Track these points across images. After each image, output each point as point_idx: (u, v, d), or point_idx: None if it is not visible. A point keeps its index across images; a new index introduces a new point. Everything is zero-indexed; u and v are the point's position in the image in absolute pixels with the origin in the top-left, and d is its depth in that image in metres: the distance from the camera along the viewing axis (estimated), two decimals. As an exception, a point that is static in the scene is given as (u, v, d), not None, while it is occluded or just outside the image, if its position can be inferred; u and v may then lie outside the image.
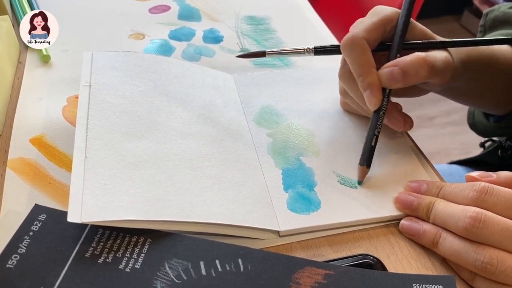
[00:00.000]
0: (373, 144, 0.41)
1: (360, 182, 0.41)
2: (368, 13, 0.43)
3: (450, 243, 0.34)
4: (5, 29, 0.50)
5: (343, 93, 0.47)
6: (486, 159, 0.68)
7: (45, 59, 0.53)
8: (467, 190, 0.35)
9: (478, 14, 2.03)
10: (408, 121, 0.43)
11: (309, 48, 0.45)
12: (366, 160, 0.41)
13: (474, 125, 0.62)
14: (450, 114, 1.75)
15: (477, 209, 0.33)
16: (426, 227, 0.36)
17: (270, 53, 0.46)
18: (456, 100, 0.53)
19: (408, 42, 0.43)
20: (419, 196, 0.38)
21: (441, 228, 0.36)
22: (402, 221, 0.38)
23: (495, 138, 0.67)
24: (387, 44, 0.43)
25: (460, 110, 1.72)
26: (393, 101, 0.44)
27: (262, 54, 0.46)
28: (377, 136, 0.41)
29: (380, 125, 0.41)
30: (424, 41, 0.43)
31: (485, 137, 0.66)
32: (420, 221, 0.37)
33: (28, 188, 0.39)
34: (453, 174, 0.70)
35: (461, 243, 0.34)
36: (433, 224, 0.36)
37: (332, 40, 0.61)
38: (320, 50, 0.45)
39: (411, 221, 0.37)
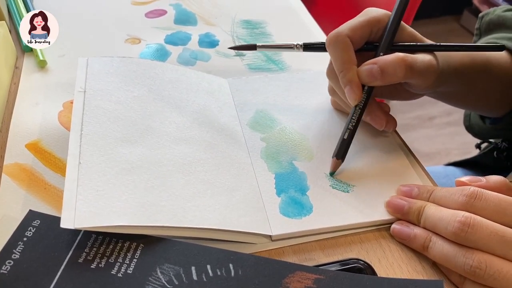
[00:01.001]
0: (345, 137, 0.42)
1: (332, 173, 0.42)
2: (359, 14, 0.44)
3: (440, 247, 0.35)
4: (1, 34, 0.50)
5: (331, 91, 0.48)
6: (482, 161, 0.69)
7: (41, 64, 0.53)
8: (457, 195, 0.36)
9: (477, 14, 2.02)
10: (391, 122, 0.44)
11: (299, 44, 0.46)
12: (337, 152, 0.42)
13: (470, 128, 0.62)
14: (450, 114, 1.75)
15: (466, 214, 0.34)
16: (416, 231, 0.37)
17: (261, 47, 0.47)
18: (452, 104, 0.54)
19: (396, 44, 0.43)
20: (410, 200, 0.39)
21: (432, 232, 0.36)
22: (393, 225, 0.38)
23: (491, 140, 0.67)
24: (374, 44, 0.44)
25: (460, 111, 1.70)
26: (385, 103, 0.45)
27: (253, 47, 0.47)
28: (351, 130, 0.42)
29: (356, 119, 0.42)
30: (411, 43, 0.44)
31: (481, 139, 0.66)
32: (411, 225, 0.38)
33: (24, 193, 0.39)
34: (449, 175, 0.70)
35: (451, 247, 0.34)
36: (424, 228, 0.37)
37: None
38: (309, 47, 0.46)
39: (402, 225, 0.38)
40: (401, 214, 0.38)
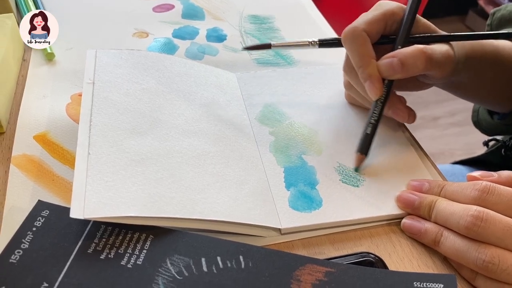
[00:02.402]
0: (368, 132, 0.42)
1: (357, 169, 0.42)
2: (372, 7, 0.44)
3: (451, 242, 0.34)
4: (10, 26, 0.50)
5: (347, 86, 0.48)
6: (489, 159, 0.68)
7: (49, 57, 0.53)
8: (469, 189, 0.35)
9: (483, 14, 2.02)
10: (412, 114, 0.44)
11: (314, 41, 0.46)
12: (360, 147, 0.42)
13: (478, 123, 0.62)
14: (454, 115, 1.75)
15: (479, 208, 0.33)
16: (427, 226, 0.36)
17: (276, 46, 0.47)
18: (460, 96, 0.53)
19: (412, 35, 0.43)
20: (421, 195, 0.38)
21: (443, 227, 0.36)
22: (404, 220, 0.38)
23: (498, 138, 0.67)
24: (389, 37, 0.43)
25: (464, 111, 1.71)
26: (402, 96, 0.44)
27: (267, 46, 0.47)
28: (374, 125, 0.42)
29: (377, 114, 0.42)
30: (427, 34, 0.43)
31: (489, 135, 0.66)
32: (422, 220, 0.37)
33: (32, 185, 0.39)
34: (456, 174, 0.70)
35: (463, 242, 0.34)
36: (435, 223, 0.36)
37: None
38: (324, 43, 0.46)
39: (412, 220, 0.37)
40: (411, 209, 0.38)
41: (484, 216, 0.33)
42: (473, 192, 0.35)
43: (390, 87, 0.42)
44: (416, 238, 0.37)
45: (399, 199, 0.39)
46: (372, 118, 0.42)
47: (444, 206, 0.36)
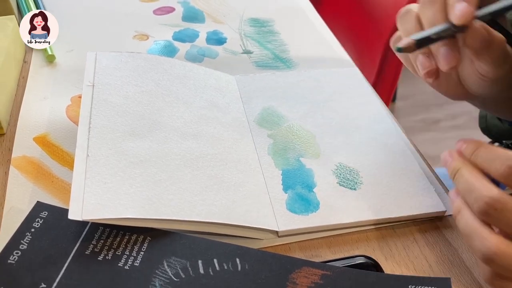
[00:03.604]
0: (433, 36, 0.35)
1: (399, 49, 0.36)
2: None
3: (464, 223, 0.32)
4: (11, 28, 0.50)
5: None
6: None
7: (50, 59, 0.53)
8: (499, 163, 0.31)
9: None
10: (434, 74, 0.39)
11: None
12: (419, 38, 0.35)
13: (487, 129, 0.60)
14: (455, 118, 1.75)
15: (497, 195, 0.30)
16: (452, 195, 0.34)
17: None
18: (491, 111, 0.50)
19: None
20: (453, 156, 0.35)
21: (463, 203, 0.33)
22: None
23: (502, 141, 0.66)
24: None
25: (465, 114, 1.71)
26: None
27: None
28: (440, 35, 0.35)
29: (447, 29, 0.35)
30: None
31: (499, 141, 0.64)
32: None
33: (31, 186, 0.39)
34: (455, 177, 0.69)
35: (473, 225, 0.32)
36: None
37: (334, 43, 0.61)
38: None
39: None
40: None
41: (500, 206, 0.30)
42: (503, 168, 0.31)
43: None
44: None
45: (442, 156, 0.36)
46: (443, 31, 0.35)
47: (465, 179, 0.33)
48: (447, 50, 0.36)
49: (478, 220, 0.31)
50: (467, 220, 0.32)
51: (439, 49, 0.37)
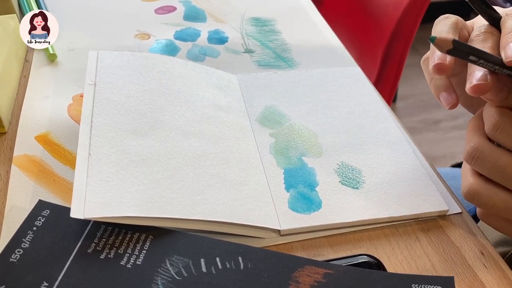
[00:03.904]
0: (472, 57, 0.30)
1: (432, 38, 0.29)
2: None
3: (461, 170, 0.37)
4: (12, 27, 0.50)
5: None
6: None
7: (51, 58, 0.53)
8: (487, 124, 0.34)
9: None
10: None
11: None
12: (459, 44, 0.29)
13: None
14: (456, 118, 1.75)
15: (475, 144, 0.34)
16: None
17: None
18: None
19: None
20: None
21: None
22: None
23: None
24: None
25: (465, 114, 1.70)
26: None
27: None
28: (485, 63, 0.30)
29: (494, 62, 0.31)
30: None
31: None
32: None
33: (33, 185, 0.39)
34: (456, 177, 0.69)
35: (462, 171, 0.37)
36: None
37: (336, 42, 0.61)
38: None
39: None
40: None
41: (477, 154, 0.34)
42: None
43: None
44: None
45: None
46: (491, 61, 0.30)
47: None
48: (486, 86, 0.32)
49: (468, 166, 0.36)
50: (462, 168, 0.37)
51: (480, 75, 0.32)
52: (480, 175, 0.35)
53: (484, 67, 0.31)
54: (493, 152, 0.33)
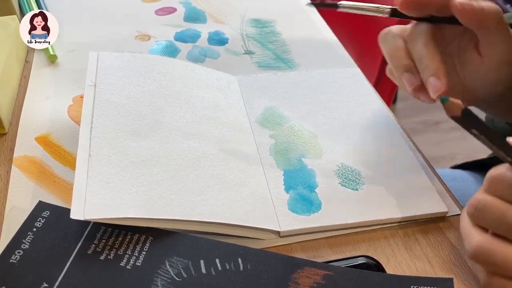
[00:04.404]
0: (475, 131, 0.31)
1: (445, 99, 0.30)
2: None
3: (460, 227, 0.33)
4: (13, 28, 0.51)
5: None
6: (494, 163, 0.67)
7: (52, 59, 0.53)
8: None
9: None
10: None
11: (386, 9, 0.41)
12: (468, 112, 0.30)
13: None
14: (456, 119, 1.74)
15: (479, 196, 0.31)
16: None
17: (344, 6, 0.41)
18: (497, 116, 0.50)
19: None
20: None
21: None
22: None
23: None
24: None
25: (466, 115, 1.71)
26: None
27: (334, 5, 0.41)
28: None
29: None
30: None
31: None
32: None
33: (33, 186, 0.39)
34: (456, 178, 0.69)
35: (464, 227, 0.33)
36: None
37: (336, 43, 0.61)
38: (396, 13, 0.40)
39: None
40: None
41: (480, 206, 0.31)
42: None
43: None
44: None
45: None
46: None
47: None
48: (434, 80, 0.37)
49: (470, 222, 0.32)
50: (462, 223, 0.33)
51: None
52: (486, 231, 0.31)
53: (482, 143, 0.31)
54: (499, 202, 0.31)
